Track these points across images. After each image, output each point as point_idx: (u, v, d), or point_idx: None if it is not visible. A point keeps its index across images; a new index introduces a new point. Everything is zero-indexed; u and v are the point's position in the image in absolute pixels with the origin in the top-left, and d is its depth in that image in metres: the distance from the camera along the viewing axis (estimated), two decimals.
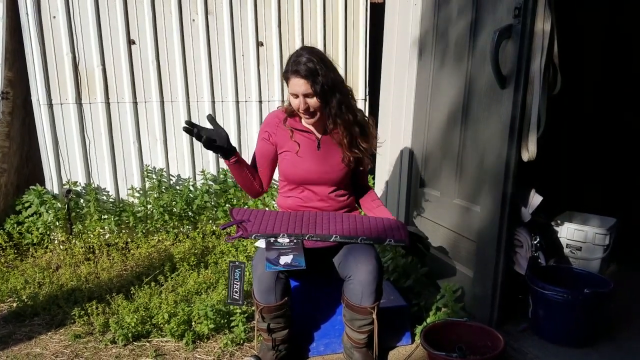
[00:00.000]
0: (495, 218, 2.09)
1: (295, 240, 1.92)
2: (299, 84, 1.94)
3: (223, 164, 3.72)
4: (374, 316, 1.94)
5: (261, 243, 1.95)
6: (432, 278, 2.57)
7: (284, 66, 2.02)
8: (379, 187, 3.35)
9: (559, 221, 2.68)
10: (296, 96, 1.98)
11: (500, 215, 2.07)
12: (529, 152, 1.98)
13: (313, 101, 1.97)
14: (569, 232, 2.61)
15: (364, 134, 2.12)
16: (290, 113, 2.12)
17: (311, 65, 1.91)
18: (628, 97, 3.49)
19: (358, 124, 2.09)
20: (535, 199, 2.23)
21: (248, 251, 3.13)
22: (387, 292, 2.33)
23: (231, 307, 2.41)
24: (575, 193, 3.30)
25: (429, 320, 2.26)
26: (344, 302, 2.00)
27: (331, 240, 1.94)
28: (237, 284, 2.02)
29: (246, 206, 3.62)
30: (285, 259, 1.82)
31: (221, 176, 3.69)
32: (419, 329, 2.26)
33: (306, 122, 2.09)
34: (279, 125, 2.13)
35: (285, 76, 1.99)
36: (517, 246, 2.23)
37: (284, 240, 1.92)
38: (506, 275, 2.13)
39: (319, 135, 2.13)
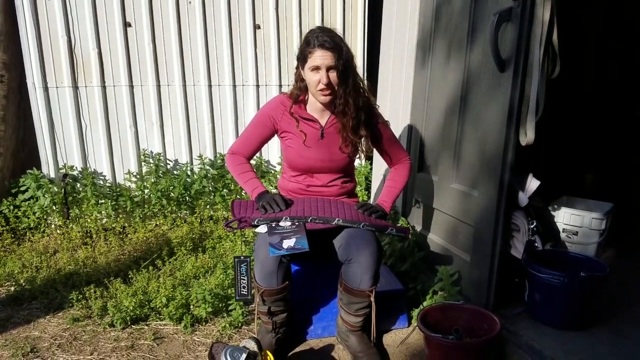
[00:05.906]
0: (492, 202, 2.09)
1: (297, 223, 1.92)
2: (326, 56, 1.93)
3: (220, 148, 3.71)
4: (372, 299, 1.96)
5: (262, 229, 1.95)
6: (428, 262, 2.59)
7: (301, 45, 2.02)
8: (377, 172, 3.35)
9: (555, 206, 2.68)
10: (317, 70, 1.96)
11: (498, 200, 2.07)
12: (527, 136, 1.98)
13: (334, 76, 1.96)
14: (565, 216, 2.61)
15: (368, 122, 2.12)
16: (296, 98, 2.10)
17: (338, 40, 1.97)
18: (628, 83, 3.48)
19: (365, 110, 2.09)
20: (533, 184, 2.23)
21: (246, 236, 3.13)
22: (384, 276, 2.34)
23: (229, 290, 2.42)
24: (573, 178, 3.30)
25: (425, 303, 2.28)
26: (342, 286, 2.01)
27: (334, 223, 1.95)
28: (244, 279, 2.02)
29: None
30: (288, 243, 1.82)
31: (218, 161, 3.67)
32: (415, 312, 2.28)
33: (322, 100, 2.04)
34: (285, 112, 2.12)
35: (306, 51, 1.97)
36: (514, 230, 2.24)
37: (285, 223, 1.91)
38: (503, 259, 2.14)
39: (323, 124, 2.12)
